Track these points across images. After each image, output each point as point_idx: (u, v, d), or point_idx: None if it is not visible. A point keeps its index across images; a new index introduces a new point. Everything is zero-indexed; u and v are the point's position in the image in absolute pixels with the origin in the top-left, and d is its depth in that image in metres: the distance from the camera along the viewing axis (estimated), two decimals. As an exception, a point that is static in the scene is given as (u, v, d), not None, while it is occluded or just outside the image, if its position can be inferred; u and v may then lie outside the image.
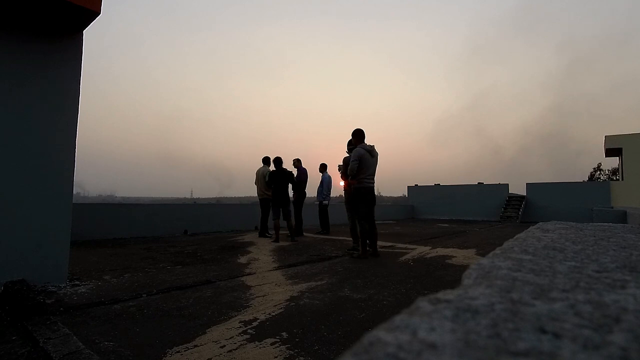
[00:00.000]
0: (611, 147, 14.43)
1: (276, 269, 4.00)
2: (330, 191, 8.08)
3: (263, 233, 7.21)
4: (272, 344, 1.99)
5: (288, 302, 2.74)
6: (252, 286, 3.23)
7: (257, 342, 2.00)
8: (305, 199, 7.81)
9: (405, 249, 5.75)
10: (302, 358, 1.83)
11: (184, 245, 5.88)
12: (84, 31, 3.38)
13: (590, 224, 1.18)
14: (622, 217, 7.57)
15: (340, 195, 7.26)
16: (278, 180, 6.53)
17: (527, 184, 14.24)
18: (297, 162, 7.71)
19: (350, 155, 4.93)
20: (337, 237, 7.21)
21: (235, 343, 1.99)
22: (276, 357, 1.83)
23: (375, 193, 4.91)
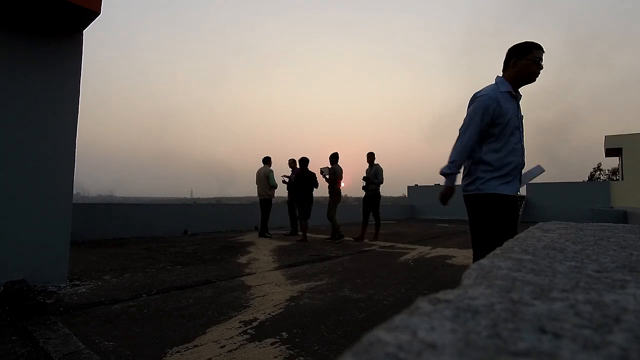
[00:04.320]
0: (611, 147, 14.42)
1: (276, 269, 4.00)
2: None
3: (263, 233, 7.20)
4: (272, 344, 1.99)
5: (288, 302, 2.74)
6: (252, 286, 3.23)
7: (257, 342, 2.00)
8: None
9: (405, 249, 5.76)
10: (302, 358, 1.83)
11: (184, 245, 5.88)
12: (84, 31, 3.38)
13: (590, 224, 1.18)
14: (622, 217, 7.57)
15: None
16: (304, 181, 6.70)
17: (527, 184, 14.26)
18: (292, 163, 7.51)
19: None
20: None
21: (235, 343, 1.99)
22: (276, 357, 1.83)
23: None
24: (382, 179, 6.72)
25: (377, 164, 6.75)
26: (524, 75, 2.15)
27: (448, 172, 2.14)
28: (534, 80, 2.18)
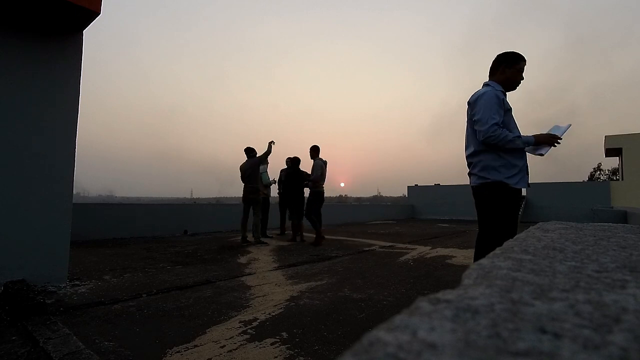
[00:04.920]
0: (611, 147, 14.43)
1: (276, 269, 4.00)
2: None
3: (263, 233, 7.16)
4: (272, 344, 1.99)
5: (288, 302, 2.74)
6: (252, 286, 3.23)
7: (257, 342, 2.00)
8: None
9: (405, 249, 5.76)
10: (302, 358, 1.83)
11: (184, 245, 5.88)
12: (84, 31, 3.38)
13: (590, 224, 1.18)
14: (622, 217, 7.57)
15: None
16: (295, 180, 6.54)
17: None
18: (289, 162, 7.43)
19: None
20: (336, 237, 7.21)
21: (235, 343, 1.99)
22: (276, 357, 1.83)
23: (376, 193, 6.26)
24: (316, 174, 6.10)
25: (319, 159, 6.20)
26: (511, 82, 2.31)
27: (520, 136, 2.20)
28: (515, 89, 2.35)
